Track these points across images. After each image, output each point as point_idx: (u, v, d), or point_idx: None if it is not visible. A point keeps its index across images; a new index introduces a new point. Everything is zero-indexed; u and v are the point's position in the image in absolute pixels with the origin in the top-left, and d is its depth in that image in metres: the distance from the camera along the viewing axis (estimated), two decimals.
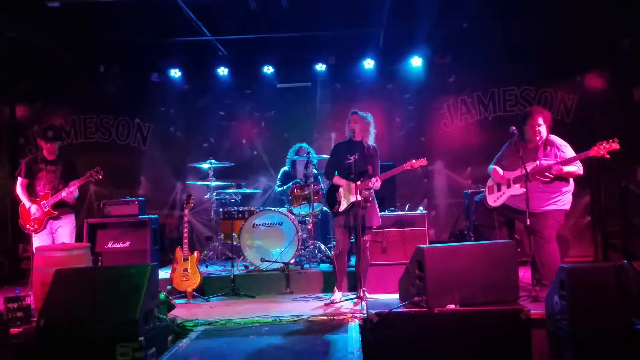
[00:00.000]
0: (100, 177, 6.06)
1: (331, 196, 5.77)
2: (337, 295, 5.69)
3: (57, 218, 6.13)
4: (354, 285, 5.80)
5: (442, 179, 8.57)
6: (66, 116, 8.86)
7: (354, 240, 5.77)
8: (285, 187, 7.39)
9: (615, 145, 4.93)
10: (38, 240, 6.12)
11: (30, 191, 6.18)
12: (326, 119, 8.62)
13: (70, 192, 6.04)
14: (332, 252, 6.87)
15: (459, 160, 8.48)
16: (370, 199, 5.60)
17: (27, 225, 6.10)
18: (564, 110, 8.20)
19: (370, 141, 5.73)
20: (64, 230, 6.18)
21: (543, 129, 5.34)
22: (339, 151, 5.80)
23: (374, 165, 5.65)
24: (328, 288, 6.29)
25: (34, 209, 6.08)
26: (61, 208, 6.14)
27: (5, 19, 6.78)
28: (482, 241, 5.32)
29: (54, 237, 6.18)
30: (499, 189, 5.55)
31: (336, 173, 5.74)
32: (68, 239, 6.13)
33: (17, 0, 6.44)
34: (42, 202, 6.05)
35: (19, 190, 6.21)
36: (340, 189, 5.68)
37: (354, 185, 5.42)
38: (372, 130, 5.75)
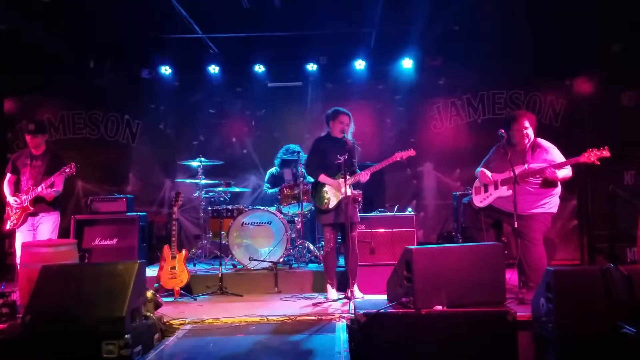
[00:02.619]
0: (73, 172, 5.93)
1: (317, 193, 5.78)
2: (333, 293, 5.72)
3: (35, 214, 6.05)
4: (343, 285, 5.81)
5: (431, 181, 8.60)
6: (55, 111, 8.80)
7: (340, 240, 5.78)
8: (274, 189, 7.41)
9: (606, 153, 4.97)
10: (21, 237, 6.06)
11: (17, 187, 6.14)
12: (317, 118, 8.53)
13: (46, 187, 5.93)
14: (321, 252, 6.89)
15: (448, 162, 8.52)
16: (359, 199, 5.63)
17: (8, 221, 6.06)
18: (553, 114, 8.27)
19: (350, 135, 5.79)
20: (45, 227, 6.10)
21: (530, 132, 5.37)
22: (321, 147, 5.80)
23: (354, 159, 5.74)
24: (316, 288, 6.30)
25: (12, 200, 6.05)
26: (40, 204, 6.04)
27: None
28: (470, 243, 5.35)
29: (35, 233, 6.09)
30: (485, 190, 5.58)
31: (318, 170, 5.77)
32: (48, 237, 6.05)
33: None
34: (23, 197, 6.00)
35: (5, 185, 6.19)
36: (327, 187, 5.68)
37: (343, 182, 5.44)
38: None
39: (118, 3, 6.59)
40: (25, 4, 6.57)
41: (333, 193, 5.66)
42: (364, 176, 5.56)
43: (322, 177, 5.74)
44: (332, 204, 5.65)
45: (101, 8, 6.77)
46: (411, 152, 5.56)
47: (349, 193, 5.46)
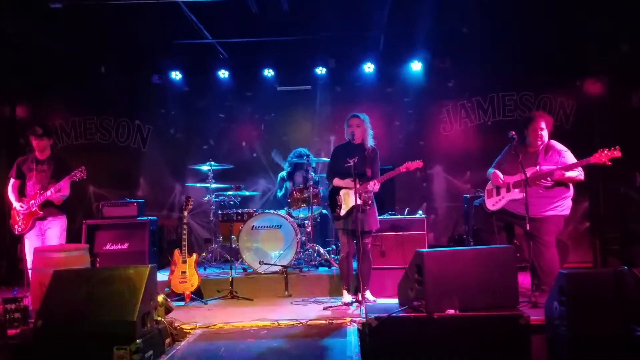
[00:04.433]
0: (84, 176, 5.93)
1: (332, 199, 5.77)
2: (347, 297, 5.70)
3: (43, 218, 6.05)
4: (356, 288, 5.79)
5: (441, 183, 8.57)
6: (66, 116, 8.87)
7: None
8: (282, 191, 7.43)
9: (617, 153, 4.92)
10: (29, 242, 6.08)
11: (22, 191, 6.15)
12: (326, 122, 8.63)
13: (55, 191, 5.94)
14: (332, 256, 6.90)
15: (458, 165, 8.48)
16: (370, 202, 5.60)
17: (15, 226, 6.07)
18: (563, 115, 8.22)
19: (370, 142, 5.73)
20: (53, 232, 6.10)
21: (545, 134, 5.33)
22: (338, 153, 5.80)
23: (374, 168, 5.67)
24: (327, 291, 6.29)
25: (18, 206, 6.05)
26: (48, 208, 6.05)
27: (7, 17, 6.78)
28: (481, 246, 5.32)
29: (43, 238, 6.10)
30: (498, 193, 5.55)
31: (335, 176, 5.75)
32: (57, 241, 6.06)
33: (21, 0, 6.45)
34: (30, 202, 6.01)
35: (9, 190, 6.20)
36: (341, 193, 5.67)
37: (354, 189, 5.42)
38: (370, 131, 5.76)
39: (129, 9, 6.63)
40: (38, 10, 6.62)
41: (346, 199, 5.64)
42: (372, 185, 5.51)
43: (336, 180, 5.73)
44: (344, 210, 5.63)
45: (112, 14, 6.81)
46: (418, 164, 5.51)
47: (358, 202, 5.43)
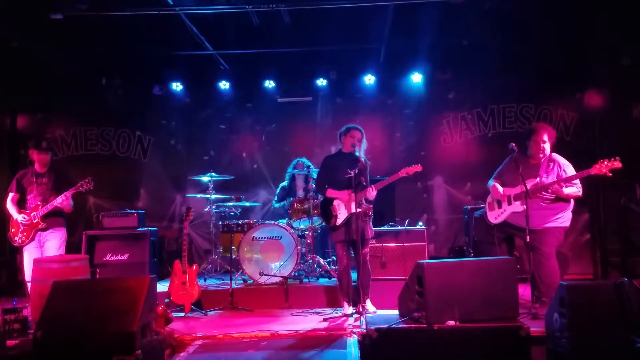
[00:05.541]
0: (91, 187, 5.97)
1: (326, 210, 5.76)
2: (349, 309, 5.68)
3: (45, 229, 6.08)
4: (356, 300, 5.78)
5: (441, 195, 8.56)
6: (67, 128, 8.87)
7: (353, 254, 5.76)
8: (281, 203, 7.45)
9: (618, 164, 4.92)
10: (27, 253, 6.09)
11: (22, 205, 6.18)
12: (327, 133, 8.62)
13: (62, 200, 5.97)
14: (332, 267, 6.88)
15: (459, 176, 8.48)
16: (370, 212, 5.61)
17: (16, 238, 6.09)
18: (564, 127, 8.22)
19: (363, 153, 5.74)
20: (52, 243, 6.12)
21: (547, 146, 5.34)
22: (331, 164, 5.81)
23: (366, 177, 5.70)
24: (327, 302, 6.28)
25: (20, 218, 6.07)
26: (51, 218, 6.08)
27: (8, 29, 6.82)
28: (482, 257, 5.31)
29: (42, 250, 6.12)
30: (499, 206, 5.53)
31: (327, 187, 5.76)
32: (56, 253, 6.07)
33: (21, 11, 6.48)
34: (32, 214, 6.03)
35: (8, 204, 6.21)
36: (335, 202, 5.67)
37: (353, 197, 5.42)
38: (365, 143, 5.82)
39: (130, 20, 6.67)
40: (39, 21, 6.66)
41: (341, 209, 5.65)
42: (369, 193, 5.52)
43: (330, 192, 5.73)
44: (340, 220, 5.63)
45: (113, 25, 6.85)
46: (417, 168, 5.53)
47: (359, 210, 5.43)
